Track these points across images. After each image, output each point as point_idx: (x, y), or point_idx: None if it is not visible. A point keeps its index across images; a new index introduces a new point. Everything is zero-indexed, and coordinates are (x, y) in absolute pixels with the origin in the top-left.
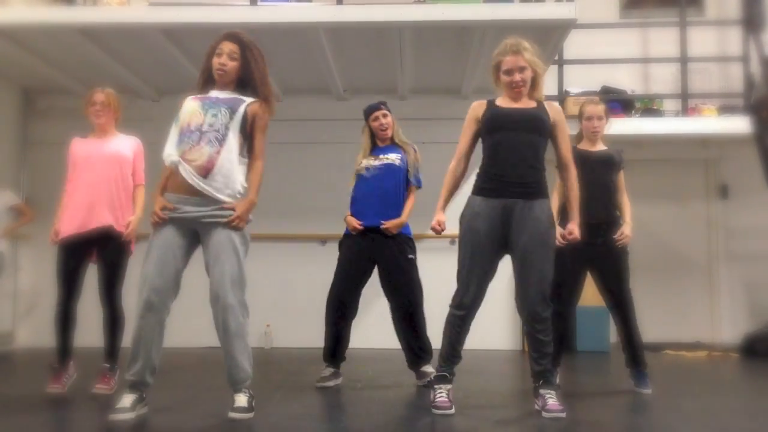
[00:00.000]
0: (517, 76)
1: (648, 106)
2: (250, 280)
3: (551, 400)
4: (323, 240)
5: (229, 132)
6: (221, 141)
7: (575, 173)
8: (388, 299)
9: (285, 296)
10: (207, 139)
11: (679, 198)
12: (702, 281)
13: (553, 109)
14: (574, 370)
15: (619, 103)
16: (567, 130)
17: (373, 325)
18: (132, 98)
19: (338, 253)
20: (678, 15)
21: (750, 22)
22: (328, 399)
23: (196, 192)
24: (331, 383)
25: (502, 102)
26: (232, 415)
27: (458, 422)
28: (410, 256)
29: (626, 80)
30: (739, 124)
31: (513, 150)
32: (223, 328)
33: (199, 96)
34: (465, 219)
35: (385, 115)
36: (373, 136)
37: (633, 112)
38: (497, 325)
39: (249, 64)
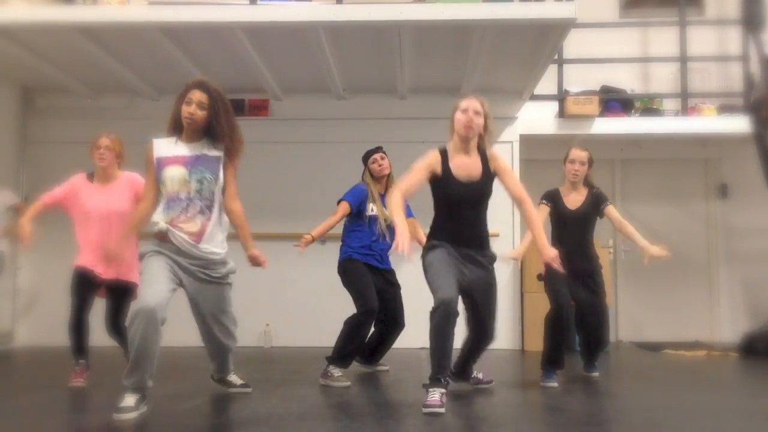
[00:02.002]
0: (471, 115)
1: (648, 106)
2: (250, 279)
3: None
4: (323, 239)
5: (215, 197)
6: (210, 208)
7: (531, 204)
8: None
9: (284, 296)
10: (197, 207)
11: (679, 197)
12: (701, 281)
13: (494, 161)
14: (573, 369)
15: (618, 102)
16: (511, 171)
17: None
18: (132, 97)
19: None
20: (678, 14)
21: (749, 22)
22: (328, 398)
23: (188, 252)
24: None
25: (454, 158)
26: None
27: (457, 422)
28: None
29: (626, 80)
30: (739, 124)
31: (462, 220)
32: (219, 353)
33: (178, 156)
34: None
35: (383, 158)
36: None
37: (633, 111)
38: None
39: (218, 115)
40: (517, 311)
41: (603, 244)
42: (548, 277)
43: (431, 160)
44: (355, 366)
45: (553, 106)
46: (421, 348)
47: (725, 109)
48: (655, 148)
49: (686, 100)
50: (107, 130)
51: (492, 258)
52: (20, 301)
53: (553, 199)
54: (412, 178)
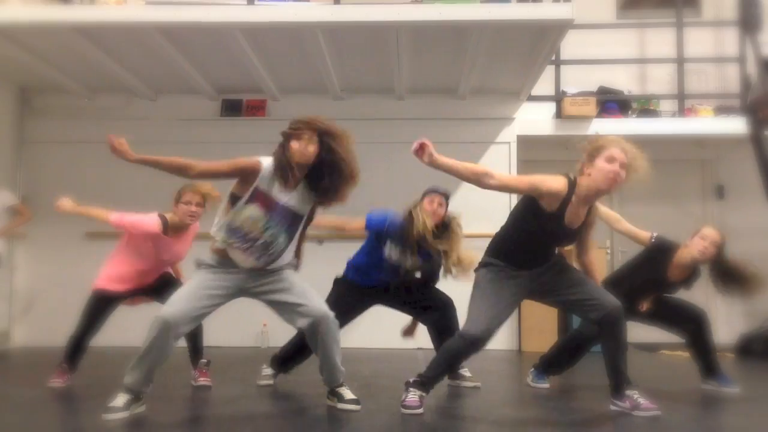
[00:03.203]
0: (619, 169)
1: (645, 107)
2: None
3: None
4: (320, 240)
5: (281, 256)
6: (269, 262)
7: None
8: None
9: None
10: (257, 253)
11: (676, 198)
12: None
13: (593, 214)
14: (571, 370)
15: (616, 103)
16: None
17: (372, 325)
18: (129, 97)
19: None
20: (675, 15)
21: (746, 23)
22: (325, 398)
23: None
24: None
25: (573, 201)
26: (342, 406)
27: (455, 423)
28: None
29: (623, 80)
30: (736, 125)
31: (539, 254)
32: (326, 335)
33: (268, 202)
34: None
35: (441, 204)
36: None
37: (630, 112)
38: None
39: (329, 154)
40: (515, 312)
41: (600, 244)
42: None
43: (558, 190)
44: (354, 366)
45: (551, 107)
46: (417, 348)
47: (722, 110)
48: (651, 149)
49: (683, 102)
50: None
51: (558, 258)
52: (17, 302)
53: None
54: (515, 184)
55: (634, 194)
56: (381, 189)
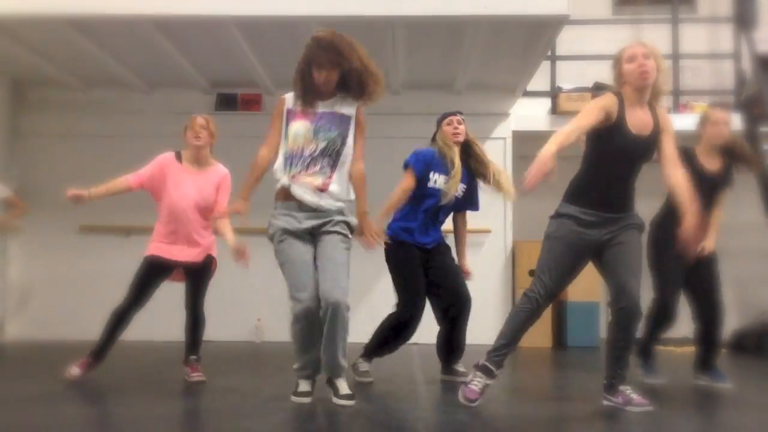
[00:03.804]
0: (642, 61)
1: None
2: (242, 274)
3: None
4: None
5: (340, 158)
6: (333, 167)
7: (682, 170)
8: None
9: (276, 290)
10: (319, 165)
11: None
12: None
13: (664, 116)
14: (564, 366)
15: None
16: (673, 132)
17: (365, 319)
18: (123, 91)
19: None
20: (670, 12)
21: (741, 20)
22: (319, 393)
23: (308, 207)
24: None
25: (628, 107)
26: (335, 400)
27: (444, 417)
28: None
29: None
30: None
31: (616, 179)
32: (330, 320)
33: (308, 114)
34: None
35: (460, 122)
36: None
37: None
38: (485, 318)
39: (350, 70)
40: (509, 307)
41: None
42: (660, 258)
43: (607, 101)
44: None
45: (546, 103)
46: (413, 344)
47: (717, 106)
48: None
49: (678, 98)
50: (100, 123)
51: (639, 225)
52: (11, 295)
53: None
54: (585, 119)
55: None
56: (376, 184)
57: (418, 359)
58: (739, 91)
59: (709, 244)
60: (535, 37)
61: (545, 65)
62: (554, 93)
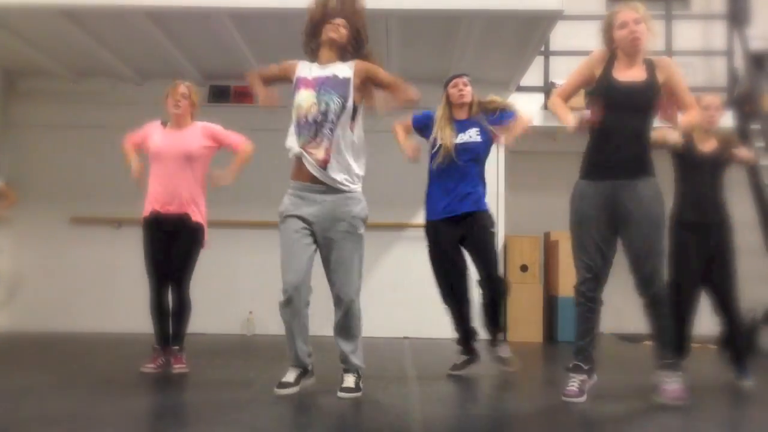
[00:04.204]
0: (633, 27)
1: None
2: (232, 267)
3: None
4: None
5: (340, 121)
6: (333, 132)
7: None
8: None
9: (267, 283)
10: (322, 132)
11: (663, 190)
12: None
13: (662, 67)
14: (555, 360)
15: None
16: (680, 75)
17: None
18: (115, 82)
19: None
20: (664, 8)
21: (735, 17)
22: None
23: (319, 180)
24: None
25: (617, 64)
26: (339, 393)
27: (438, 412)
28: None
29: None
30: (723, 119)
31: (620, 133)
32: (343, 319)
33: (310, 78)
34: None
35: (465, 84)
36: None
37: None
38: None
39: (358, 32)
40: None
41: None
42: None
43: (593, 57)
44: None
45: (539, 98)
46: (404, 338)
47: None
48: None
49: None
50: (92, 114)
51: (656, 188)
52: (1, 286)
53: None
54: (572, 78)
55: None
56: (369, 179)
57: (410, 354)
58: (731, 88)
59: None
60: (529, 32)
61: (539, 60)
62: (548, 88)
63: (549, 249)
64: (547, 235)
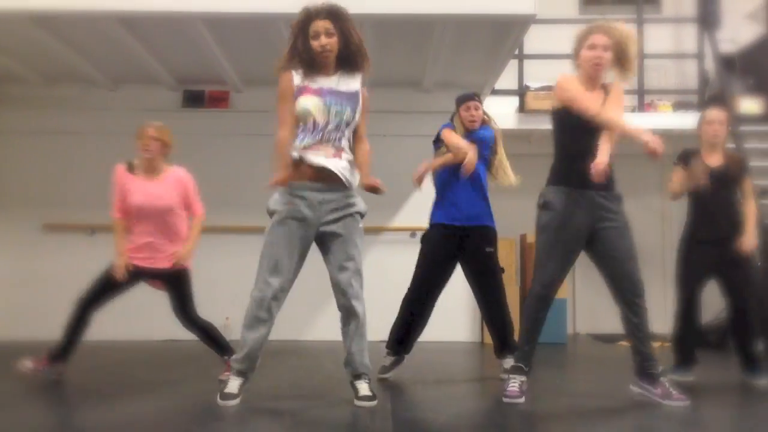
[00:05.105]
0: (600, 53)
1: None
2: (209, 273)
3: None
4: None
5: (348, 131)
6: (341, 141)
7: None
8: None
9: (244, 289)
10: (330, 139)
11: (635, 192)
12: (656, 274)
13: (610, 92)
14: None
15: None
16: (619, 101)
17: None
18: (87, 87)
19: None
20: (635, 12)
21: (705, 20)
22: (296, 389)
23: (321, 177)
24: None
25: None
26: (357, 402)
27: (413, 415)
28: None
29: None
30: (694, 120)
31: (585, 147)
32: (354, 325)
33: (317, 89)
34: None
35: (477, 108)
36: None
37: None
38: (456, 316)
39: (349, 40)
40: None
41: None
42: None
43: (567, 80)
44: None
45: (514, 101)
46: (381, 341)
47: (681, 105)
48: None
49: (643, 97)
50: (64, 120)
51: (619, 198)
52: None
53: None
54: (585, 93)
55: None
56: None
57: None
58: (702, 90)
59: (747, 240)
60: (502, 36)
61: (513, 64)
62: (522, 91)
63: (525, 251)
64: (523, 237)
